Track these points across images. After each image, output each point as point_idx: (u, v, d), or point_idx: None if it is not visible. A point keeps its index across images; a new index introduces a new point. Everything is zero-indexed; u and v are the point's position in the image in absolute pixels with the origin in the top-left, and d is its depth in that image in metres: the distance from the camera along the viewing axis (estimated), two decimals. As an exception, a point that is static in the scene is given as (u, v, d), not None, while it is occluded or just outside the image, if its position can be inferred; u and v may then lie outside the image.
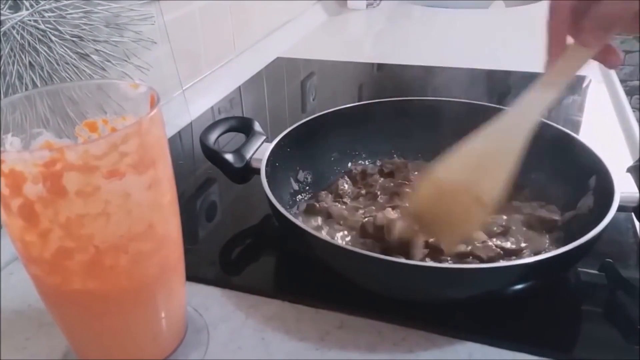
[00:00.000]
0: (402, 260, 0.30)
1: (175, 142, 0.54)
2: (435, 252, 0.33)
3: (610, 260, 0.35)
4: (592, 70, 0.68)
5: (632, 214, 0.34)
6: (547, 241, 0.35)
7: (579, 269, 0.34)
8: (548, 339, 0.29)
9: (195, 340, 0.30)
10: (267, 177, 0.35)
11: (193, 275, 0.33)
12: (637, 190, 0.32)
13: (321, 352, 0.29)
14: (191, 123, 0.59)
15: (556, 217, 0.36)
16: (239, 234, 0.40)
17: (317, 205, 0.38)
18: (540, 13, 0.99)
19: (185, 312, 0.30)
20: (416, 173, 0.43)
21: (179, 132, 0.56)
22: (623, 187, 0.32)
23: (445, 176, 0.29)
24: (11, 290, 0.34)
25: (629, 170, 0.34)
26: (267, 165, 0.36)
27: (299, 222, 0.31)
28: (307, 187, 0.42)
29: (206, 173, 0.47)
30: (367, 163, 0.46)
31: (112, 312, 0.25)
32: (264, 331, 0.30)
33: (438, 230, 0.31)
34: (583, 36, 0.26)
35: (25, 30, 0.33)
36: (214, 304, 0.33)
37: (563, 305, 0.32)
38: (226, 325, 0.31)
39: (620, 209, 0.30)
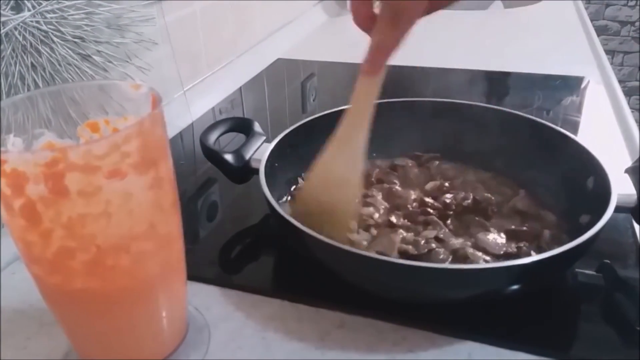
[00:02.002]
0: (401, 261, 0.30)
1: (177, 143, 0.54)
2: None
3: (608, 262, 0.35)
4: (590, 71, 0.68)
5: (630, 215, 0.34)
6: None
7: (578, 270, 0.34)
8: (548, 338, 0.30)
9: (196, 339, 0.30)
10: (265, 177, 0.35)
11: (194, 274, 0.33)
12: (634, 191, 0.33)
13: (321, 352, 0.29)
14: (192, 124, 0.59)
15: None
16: (240, 234, 0.40)
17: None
18: (539, 14, 0.99)
19: (186, 311, 0.30)
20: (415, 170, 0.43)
21: (180, 133, 0.56)
22: (621, 188, 0.32)
23: (317, 173, 0.34)
24: (12, 289, 0.34)
25: (627, 171, 0.35)
26: (266, 166, 0.37)
27: (295, 222, 0.31)
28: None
29: (207, 173, 0.47)
30: (366, 162, 0.46)
31: (113, 311, 0.25)
32: (264, 330, 0.31)
33: (329, 219, 0.34)
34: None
35: (28, 32, 0.34)
36: (214, 304, 0.33)
37: (563, 305, 0.32)
38: (227, 324, 0.31)
39: (618, 210, 0.30)
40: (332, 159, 0.34)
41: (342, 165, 0.33)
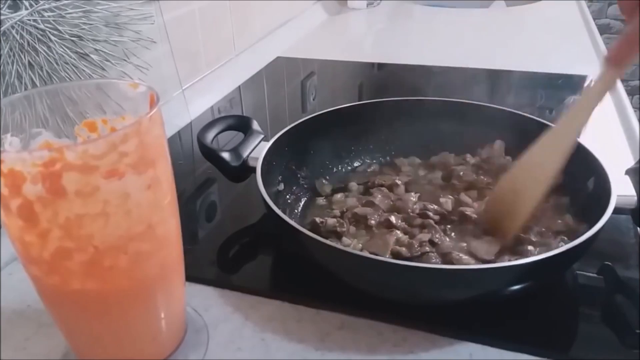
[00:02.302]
0: (399, 261, 0.30)
1: (175, 142, 0.54)
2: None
3: (609, 264, 0.35)
4: (593, 70, 0.68)
5: (630, 216, 0.33)
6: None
7: (579, 271, 0.34)
8: (548, 339, 0.29)
9: (195, 340, 0.30)
10: (262, 175, 0.35)
11: (193, 275, 0.32)
12: (634, 193, 0.32)
13: (321, 353, 0.29)
14: (191, 123, 0.58)
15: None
16: (239, 234, 0.40)
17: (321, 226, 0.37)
18: (541, 13, 0.99)
19: (185, 312, 0.30)
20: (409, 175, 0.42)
21: (179, 132, 0.56)
22: (621, 190, 0.32)
23: (527, 158, 0.34)
24: (10, 290, 0.34)
25: (628, 172, 0.34)
26: (263, 164, 0.36)
27: (292, 221, 0.30)
28: (305, 186, 0.42)
29: (206, 173, 0.47)
30: (366, 162, 0.45)
31: (111, 312, 0.25)
32: (264, 332, 0.30)
33: (513, 213, 0.33)
34: None
35: (25, 30, 0.33)
36: (213, 305, 0.32)
37: (564, 306, 0.32)
38: (226, 325, 0.31)
39: (618, 211, 0.30)
40: (543, 150, 0.33)
41: (550, 159, 0.32)
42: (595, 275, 0.34)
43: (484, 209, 0.37)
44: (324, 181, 0.43)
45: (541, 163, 0.33)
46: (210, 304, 0.32)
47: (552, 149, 0.33)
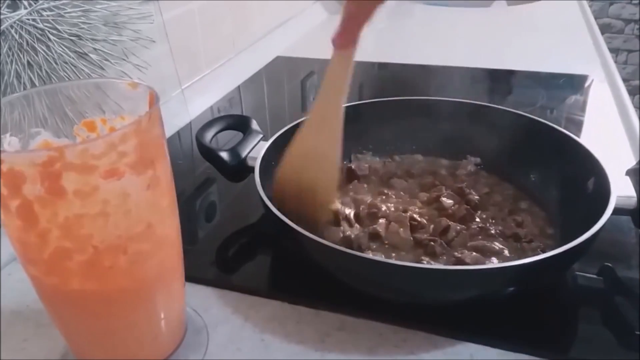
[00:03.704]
0: (398, 262, 0.30)
1: (174, 142, 0.54)
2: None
3: (609, 265, 0.34)
4: (594, 69, 0.67)
5: (630, 217, 0.33)
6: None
7: (579, 272, 0.34)
8: (549, 340, 0.29)
9: (195, 341, 0.30)
10: (261, 175, 0.35)
11: (192, 275, 0.32)
12: (634, 194, 0.32)
13: (321, 354, 0.29)
14: (190, 123, 0.58)
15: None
16: (238, 234, 0.40)
17: None
18: (542, 12, 0.98)
19: (184, 312, 0.30)
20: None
21: (178, 132, 0.56)
22: (621, 190, 0.32)
23: (295, 152, 0.34)
24: (9, 290, 0.34)
25: (628, 173, 0.34)
26: (262, 164, 0.36)
27: (289, 220, 0.30)
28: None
29: (205, 173, 0.47)
30: (367, 159, 0.45)
31: (111, 312, 0.24)
32: (263, 332, 0.30)
33: (309, 197, 0.34)
34: None
35: (24, 29, 0.33)
36: (213, 305, 0.32)
37: (564, 307, 0.32)
38: (226, 326, 0.31)
39: (618, 212, 0.30)
40: (310, 136, 0.33)
41: (321, 142, 0.33)
42: (595, 276, 0.34)
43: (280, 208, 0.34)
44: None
45: (316, 147, 0.33)
46: (209, 304, 0.32)
47: (318, 135, 0.33)
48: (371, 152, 0.46)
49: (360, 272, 0.29)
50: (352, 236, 0.34)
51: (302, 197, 0.33)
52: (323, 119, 0.33)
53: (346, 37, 0.29)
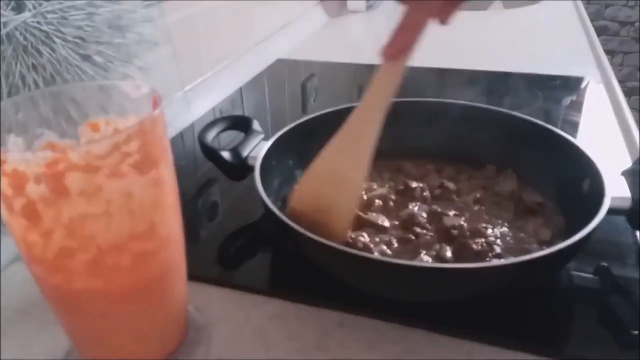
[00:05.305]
0: (397, 260, 0.30)
1: (177, 143, 0.54)
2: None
3: (605, 264, 0.35)
4: (590, 71, 0.68)
5: (625, 217, 0.34)
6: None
7: (575, 272, 0.34)
8: (548, 338, 0.30)
9: (197, 339, 0.30)
10: (262, 175, 0.35)
11: (194, 274, 0.32)
12: (629, 194, 0.32)
13: (321, 351, 0.29)
14: (193, 124, 0.59)
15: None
16: (240, 233, 0.40)
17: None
18: (539, 15, 0.99)
19: (186, 311, 0.30)
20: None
21: (181, 133, 0.56)
22: (616, 191, 0.32)
23: (319, 167, 0.32)
24: (13, 289, 0.34)
25: (624, 173, 0.34)
26: (263, 164, 0.37)
27: (288, 220, 0.30)
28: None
29: (208, 173, 0.47)
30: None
31: (114, 311, 0.25)
32: (265, 330, 0.31)
33: (325, 219, 0.32)
34: None
35: (28, 32, 0.34)
36: (215, 303, 0.33)
37: (561, 306, 0.32)
38: (227, 324, 0.31)
39: (612, 212, 0.30)
40: (336, 154, 0.31)
41: (347, 162, 0.31)
42: (591, 276, 0.34)
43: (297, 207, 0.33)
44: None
45: (340, 167, 0.30)
46: (211, 302, 0.33)
47: (346, 154, 0.30)
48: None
49: (360, 272, 0.30)
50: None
51: (317, 217, 0.32)
52: (355, 137, 0.30)
53: (399, 46, 0.26)
